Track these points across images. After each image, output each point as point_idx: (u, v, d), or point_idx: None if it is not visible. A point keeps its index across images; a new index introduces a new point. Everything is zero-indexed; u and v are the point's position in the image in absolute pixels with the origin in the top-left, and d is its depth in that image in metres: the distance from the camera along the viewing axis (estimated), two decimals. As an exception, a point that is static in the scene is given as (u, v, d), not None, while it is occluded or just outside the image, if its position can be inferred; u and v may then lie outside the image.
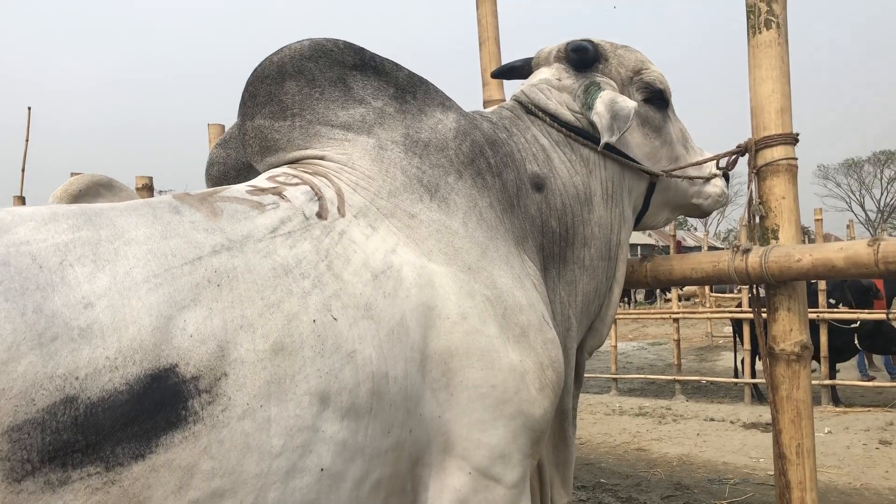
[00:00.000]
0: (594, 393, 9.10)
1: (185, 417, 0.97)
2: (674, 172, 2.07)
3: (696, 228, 59.49)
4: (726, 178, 2.25)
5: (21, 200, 6.58)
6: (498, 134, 1.73)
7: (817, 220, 8.32)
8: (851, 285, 7.93)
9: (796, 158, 2.00)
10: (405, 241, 1.38)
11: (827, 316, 7.65)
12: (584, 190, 1.84)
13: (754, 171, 2.04)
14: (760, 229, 2.04)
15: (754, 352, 8.13)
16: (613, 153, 1.90)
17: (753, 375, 8.16)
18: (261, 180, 1.45)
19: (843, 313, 7.69)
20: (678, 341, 9.18)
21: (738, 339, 9.20)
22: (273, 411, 1.06)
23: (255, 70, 1.58)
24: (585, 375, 2.03)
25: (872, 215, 53.91)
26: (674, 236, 9.27)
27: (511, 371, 1.37)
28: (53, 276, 0.97)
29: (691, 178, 2.14)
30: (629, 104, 1.78)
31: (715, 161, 2.18)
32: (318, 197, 1.37)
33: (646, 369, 10.94)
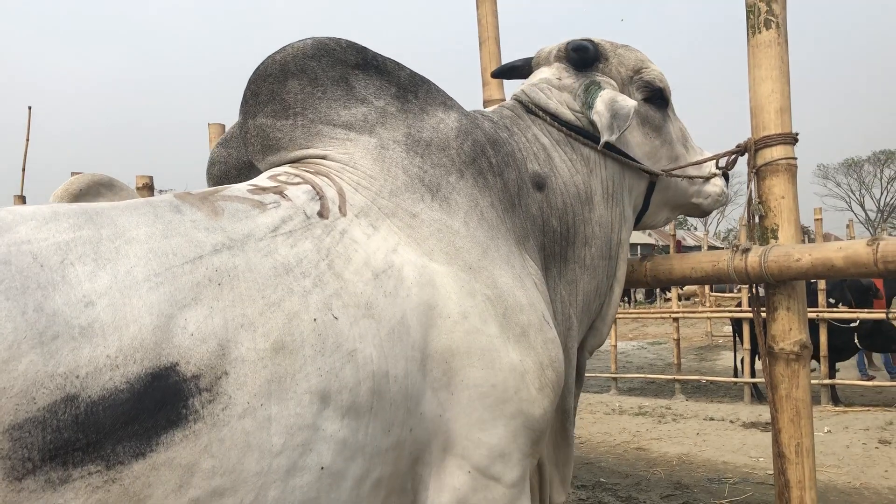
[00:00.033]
0: (594, 392, 9.11)
1: (185, 416, 0.98)
2: (674, 172, 2.07)
3: (695, 228, 59.55)
4: (726, 177, 2.25)
5: (21, 200, 6.58)
6: (499, 133, 1.73)
7: (817, 219, 8.32)
8: (851, 285, 7.93)
9: (796, 158, 2.00)
10: (406, 240, 1.38)
11: (826, 315, 7.65)
12: (584, 189, 1.84)
13: (754, 170, 2.05)
14: (760, 229, 2.04)
15: (754, 351, 8.13)
16: (614, 152, 1.91)
17: (753, 375, 8.17)
18: (262, 179, 1.45)
19: (842, 313, 7.70)
20: (678, 341, 9.18)
21: (737, 338, 9.21)
22: (273, 410, 1.06)
23: (258, 68, 1.58)
24: (585, 375, 2.03)
25: (872, 215, 53.93)
26: (673, 236, 9.27)
27: (511, 370, 1.38)
28: (54, 274, 0.97)
29: (691, 178, 2.14)
30: (629, 103, 1.78)
31: (714, 160, 2.19)
32: (320, 196, 1.37)
33: (645, 369, 10.94)
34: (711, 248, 15.85)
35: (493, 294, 1.41)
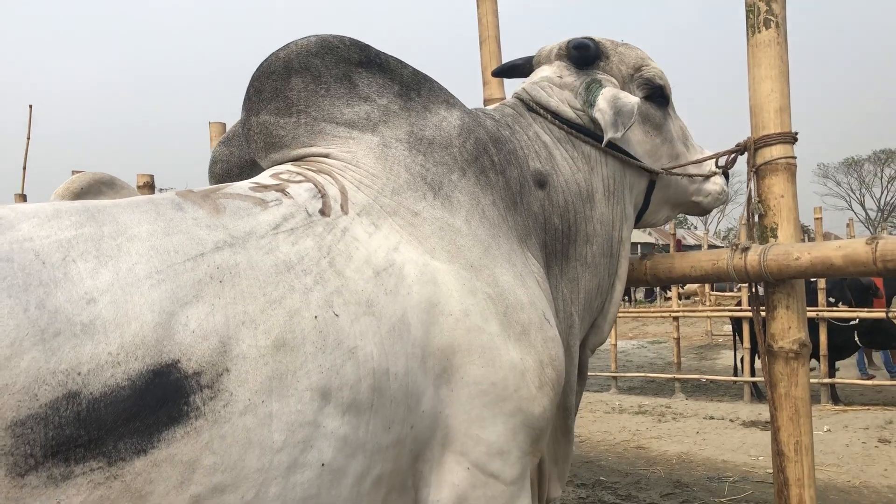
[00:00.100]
0: (594, 391, 9.11)
1: (186, 413, 0.98)
2: (674, 170, 2.08)
3: (695, 227, 59.53)
4: (726, 176, 2.26)
5: (23, 199, 6.58)
6: (501, 131, 1.73)
7: (817, 218, 8.32)
8: (851, 284, 7.94)
9: (795, 157, 2.01)
10: (408, 238, 1.39)
11: (826, 314, 7.66)
12: (585, 187, 1.85)
13: (753, 169, 2.05)
14: (759, 228, 2.05)
15: (754, 350, 8.13)
16: (615, 150, 1.91)
17: (753, 374, 8.18)
18: (264, 177, 1.46)
19: (842, 312, 7.70)
20: (678, 340, 9.19)
21: (737, 337, 9.21)
22: (274, 407, 1.06)
23: (261, 65, 1.58)
24: (588, 373, 2.04)
25: (873, 214, 53.93)
26: (674, 235, 9.29)
27: (511, 369, 1.38)
28: (56, 272, 0.98)
29: (691, 176, 2.14)
30: (632, 100, 1.79)
31: (714, 159, 2.19)
32: (322, 194, 1.37)
33: (645, 367, 10.95)
34: (711, 246, 15.86)
35: (494, 292, 1.41)
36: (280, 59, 1.55)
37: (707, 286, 15.23)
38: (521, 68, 2.19)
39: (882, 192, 54.02)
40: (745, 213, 2.09)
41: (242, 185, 1.37)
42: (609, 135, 1.76)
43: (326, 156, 1.51)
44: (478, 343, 1.35)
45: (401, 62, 1.66)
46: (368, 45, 1.63)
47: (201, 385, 1.00)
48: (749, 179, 2.06)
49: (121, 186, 2.69)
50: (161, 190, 4.36)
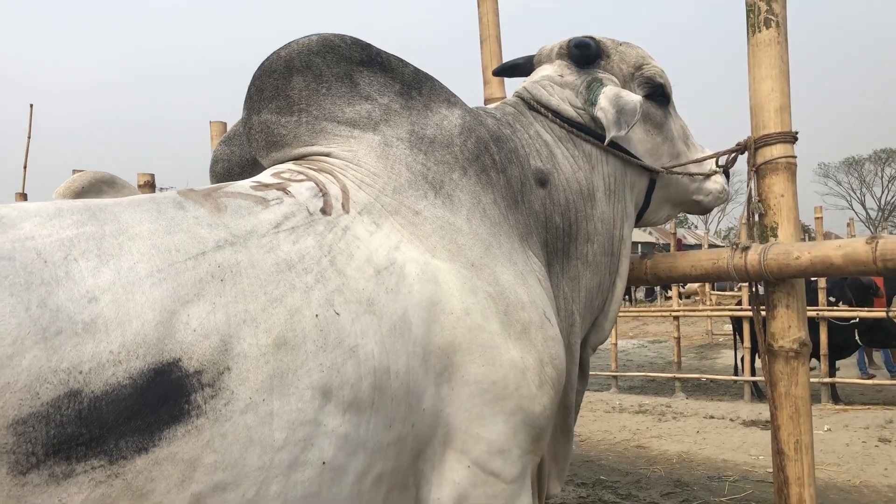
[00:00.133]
0: (594, 390, 9.11)
1: (188, 411, 0.98)
2: (675, 169, 2.08)
3: (696, 226, 59.51)
4: (726, 175, 2.26)
5: (23, 198, 6.58)
6: (502, 130, 1.73)
7: (817, 218, 8.32)
8: (851, 283, 7.94)
9: (795, 156, 2.01)
10: (409, 237, 1.39)
11: (826, 314, 7.66)
12: (586, 185, 1.85)
13: (753, 169, 2.05)
14: (760, 227, 2.05)
15: (754, 350, 8.13)
16: (616, 149, 1.91)
17: (753, 373, 8.18)
18: (265, 176, 1.46)
19: (842, 311, 7.70)
20: (678, 339, 9.19)
21: (738, 336, 9.21)
22: (275, 405, 1.06)
23: (263, 64, 1.58)
24: (589, 371, 2.04)
25: (873, 213, 53.91)
26: (674, 234, 9.28)
27: (512, 367, 1.38)
28: (58, 270, 0.98)
29: (692, 175, 2.14)
30: (634, 98, 1.79)
31: (715, 158, 2.19)
32: (323, 193, 1.38)
33: (646, 367, 10.95)
34: (712, 246, 15.85)
35: (494, 291, 1.41)
36: (281, 58, 1.55)
37: (707, 285, 15.23)
38: (521, 67, 2.19)
39: (882, 192, 54.05)
40: (746, 213, 2.09)
41: (244, 184, 1.37)
42: (612, 133, 1.76)
43: (328, 155, 1.51)
44: (478, 342, 1.35)
45: (402, 61, 1.66)
46: (370, 44, 1.63)
47: (202, 383, 1.00)
48: (749, 179, 2.07)
49: (122, 185, 2.70)
50: (162, 189, 4.36)
